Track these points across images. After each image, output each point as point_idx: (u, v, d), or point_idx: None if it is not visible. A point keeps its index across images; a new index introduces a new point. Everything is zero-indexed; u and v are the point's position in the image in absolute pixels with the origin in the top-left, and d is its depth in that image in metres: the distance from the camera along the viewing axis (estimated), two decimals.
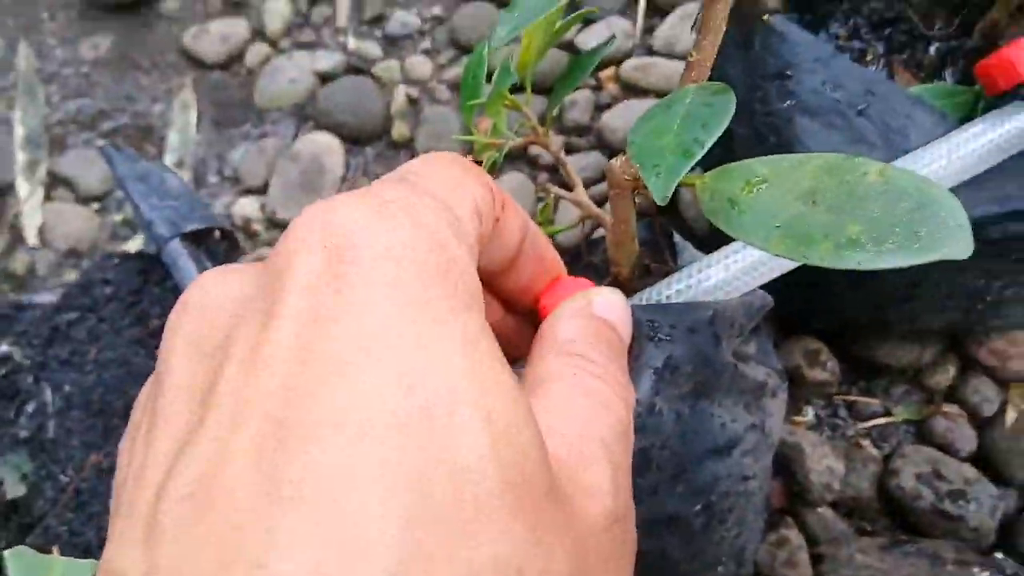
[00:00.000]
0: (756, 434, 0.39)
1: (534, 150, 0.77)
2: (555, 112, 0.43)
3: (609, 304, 0.29)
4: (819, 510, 0.59)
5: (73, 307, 0.53)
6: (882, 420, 0.63)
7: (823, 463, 0.58)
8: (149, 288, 0.52)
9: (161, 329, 0.51)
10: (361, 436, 0.17)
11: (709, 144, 0.24)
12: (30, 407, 0.50)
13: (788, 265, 0.35)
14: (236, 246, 0.52)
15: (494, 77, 0.40)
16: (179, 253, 0.46)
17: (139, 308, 0.51)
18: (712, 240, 0.30)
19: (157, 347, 0.50)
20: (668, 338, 0.32)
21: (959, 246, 0.21)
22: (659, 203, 0.23)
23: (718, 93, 0.26)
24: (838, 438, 0.63)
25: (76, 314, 0.52)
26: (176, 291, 0.51)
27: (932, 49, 0.50)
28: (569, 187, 0.42)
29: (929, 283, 0.50)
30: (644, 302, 0.36)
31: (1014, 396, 0.62)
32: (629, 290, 0.37)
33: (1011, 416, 0.61)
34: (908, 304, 0.53)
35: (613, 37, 0.46)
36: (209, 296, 0.21)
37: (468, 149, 0.78)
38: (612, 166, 0.31)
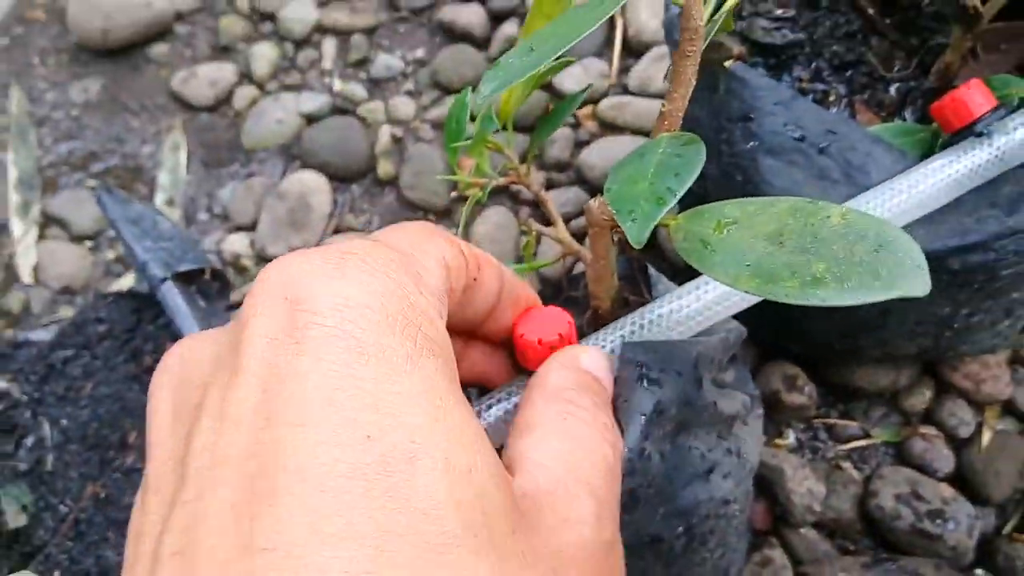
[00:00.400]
0: (732, 459, 0.40)
1: (515, 185, 0.79)
2: (536, 151, 0.45)
3: (595, 360, 0.31)
4: (802, 531, 0.60)
5: (68, 344, 0.54)
6: (861, 442, 0.65)
7: (804, 485, 0.60)
8: (143, 326, 0.53)
9: (154, 365, 0.53)
10: (323, 488, 0.18)
11: (681, 193, 0.25)
12: (29, 441, 0.51)
13: (754, 298, 0.37)
14: (227, 285, 0.53)
15: (477, 122, 0.42)
16: (173, 293, 0.48)
17: (133, 345, 0.53)
18: (690, 273, 0.32)
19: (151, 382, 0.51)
20: (657, 382, 0.33)
21: (917, 285, 0.22)
22: (635, 247, 0.24)
23: (688, 144, 0.27)
24: (818, 460, 0.64)
25: (71, 351, 0.53)
26: (169, 328, 0.53)
27: (892, 89, 0.53)
28: (551, 223, 0.44)
29: (898, 312, 0.52)
30: (620, 332, 0.37)
31: (989, 418, 0.64)
32: (609, 323, 0.39)
33: (987, 437, 0.63)
34: (879, 332, 0.54)
35: (590, 85, 0.49)
36: (184, 367, 0.23)
37: (452, 187, 0.80)
38: (591, 207, 0.33)
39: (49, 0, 0.97)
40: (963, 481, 0.62)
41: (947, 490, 0.60)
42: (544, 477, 0.23)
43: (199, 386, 0.21)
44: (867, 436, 0.65)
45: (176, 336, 0.52)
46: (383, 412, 0.19)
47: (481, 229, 0.77)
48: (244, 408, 0.19)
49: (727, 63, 0.48)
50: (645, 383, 0.33)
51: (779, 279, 0.23)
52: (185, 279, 0.50)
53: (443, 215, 0.80)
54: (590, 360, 0.30)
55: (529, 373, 0.31)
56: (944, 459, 0.62)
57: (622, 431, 0.32)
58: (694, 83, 0.29)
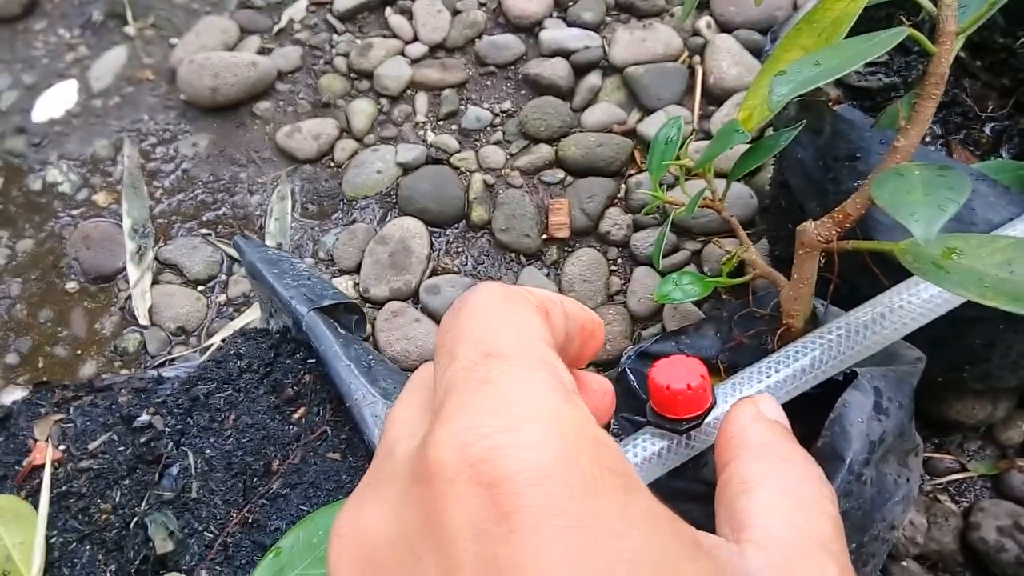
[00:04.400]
0: (906, 487, 0.42)
1: (604, 227, 0.83)
2: (729, 185, 0.52)
3: (773, 408, 0.30)
4: (904, 563, 0.61)
5: (209, 379, 0.58)
6: (958, 475, 0.66)
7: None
8: (281, 360, 0.57)
9: (295, 396, 0.56)
10: None
11: (961, 204, 0.30)
12: (174, 470, 0.55)
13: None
14: (364, 317, 0.57)
15: (718, 136, 0.45)
16: (317, 323, 0.52)
17: (272, 378, 0.56)
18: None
19: (292, 412, 0.55)
20: (886, 412, 0.36)
21: None
22: (922, 243, 0.29)
23: (944, 168, 0.32)
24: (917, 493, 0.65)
25: (213, 385, 0.57)
26: (307, 363, 0.57)
27: (987, 129, 0.55)
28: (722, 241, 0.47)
29: (1003, 345, 0.53)
30: (818, 343, 0.38)
31: None
32: (797, 339, 0.41)
33: None
34: (983, 364, 0.56)
35: (802, 123, 0.50)
36: (364, 546, 0.21)
37: (543, 230, 0.84)
38: (806, 228, 0.36)
39: (157, 61, 1.04)
40: None
41: None
42: (780, 548, 0.23)
43: (390, 570, 0.20)
44: (963, 469, 0.66)
45: (313, 369, 0.56)
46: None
47: (573, 269, 0.81)
48: None
49: (832, 107, 0.51)
50: (879, 412, 0.36)
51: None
52: (324, 313, 0.54)
53: (533, 257, 0.84)
54: (771, 409, 0.30)
55: (639, 419, 0.33)
56: None
57: (842, 455, 0.34)
58: (929, 122, 0.34)
